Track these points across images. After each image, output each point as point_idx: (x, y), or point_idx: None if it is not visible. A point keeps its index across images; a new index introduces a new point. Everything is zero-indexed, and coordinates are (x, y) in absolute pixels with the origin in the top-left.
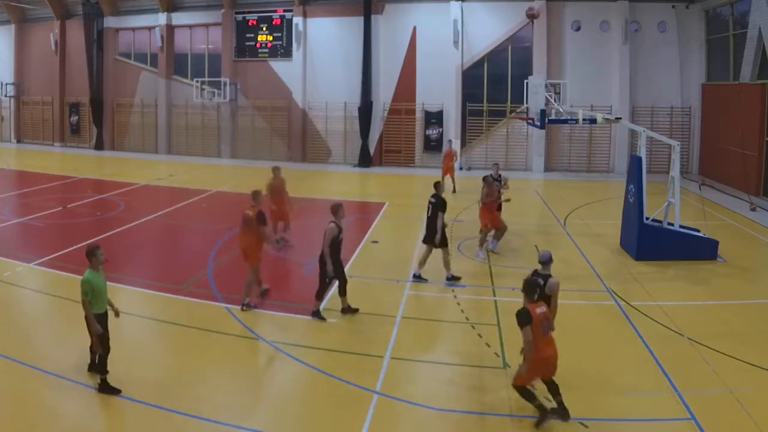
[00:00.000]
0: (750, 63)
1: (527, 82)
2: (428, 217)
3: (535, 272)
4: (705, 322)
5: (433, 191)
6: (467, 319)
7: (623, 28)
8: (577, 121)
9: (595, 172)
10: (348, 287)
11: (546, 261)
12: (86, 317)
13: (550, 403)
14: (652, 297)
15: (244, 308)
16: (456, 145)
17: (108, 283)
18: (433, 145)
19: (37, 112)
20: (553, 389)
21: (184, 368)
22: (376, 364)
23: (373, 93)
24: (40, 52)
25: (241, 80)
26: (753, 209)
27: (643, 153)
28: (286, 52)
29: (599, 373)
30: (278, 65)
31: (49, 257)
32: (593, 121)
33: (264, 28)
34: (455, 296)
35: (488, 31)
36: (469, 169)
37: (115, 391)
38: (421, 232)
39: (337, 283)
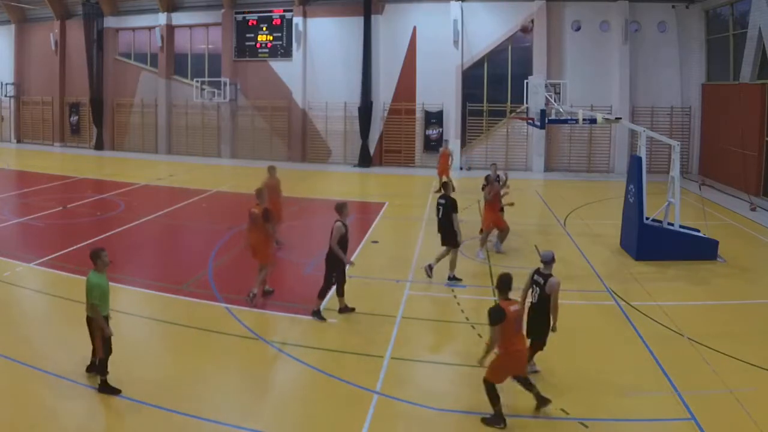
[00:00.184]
0: (750, 63)
1: (527, 82)
2: (440, 219)
3: (537, 271)
4: (705, 322)
5: (441, 192)
6: (467, 319)
7: (623, 28)
8: (577, 121)
9: (595, 172)
10: (348, 287)
11: (549, 261)
12: (96, 321)
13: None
14: (652, 297)
15: (250, 297)
16: (456, 146)
17: (109, 283)
18: (433, 145)
19: (37, 112)
20: (526, 384)
21: (184, 368)
22: (376, 364)
23: (373, 93)
24: (40, 52)
25: (241, 80)
26: (753, 209)
27: (643, 153)
28: (286, 52)
29: (599, 373)
30: (278, 65)
31: (49, 257)
32: (593, 121)
33: (264, 28)
34: (455, 296)
35: (488, 31)
36: (469, 169)
37: (115, 391)
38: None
39: (337, 283)
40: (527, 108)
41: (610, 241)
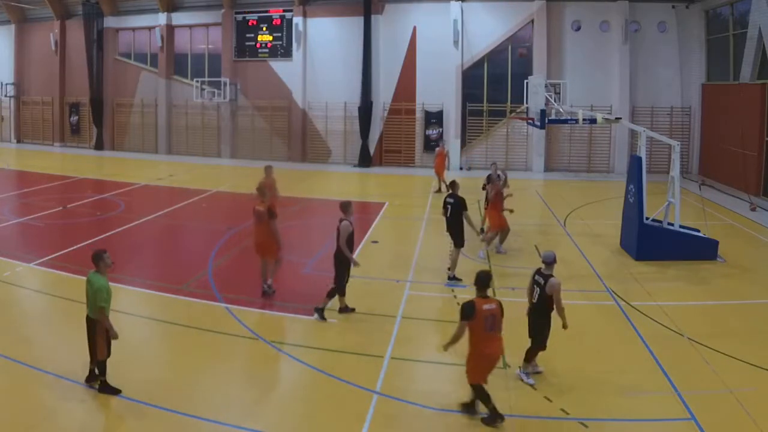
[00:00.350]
0: (750, 63)
1: (527, 82)
2: (448, 219)
3: (538, 271)
4: (705, 322)
5: (441, 192)
6: None
7: (623, 28)
8: (577, 121)
9: (595, 172)
10: (348, 287)
11: (550, 261)
12: (102, 323)
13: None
14: (652, 297)
15: (269, 288)
16: (456, 146)
17: (109, 283)
18: (433, 145)
19: (37, 112)
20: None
21: (184, 368)
22: (376, 364)
23: (373, 93)
24: (40, 52)
25: (241, 80)
26: (753, 209)
27: (643, 153)
28: (286, 52)
29: (599, 373)
30: (278, 65)
31: (49, 257)
32: (593, 121)
33: (264, 28)
34: (455, 296)
35: (488, 31)
36: (470, 169)
37: (115, 391)
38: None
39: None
40: (527, 108)
41: (610, 241)
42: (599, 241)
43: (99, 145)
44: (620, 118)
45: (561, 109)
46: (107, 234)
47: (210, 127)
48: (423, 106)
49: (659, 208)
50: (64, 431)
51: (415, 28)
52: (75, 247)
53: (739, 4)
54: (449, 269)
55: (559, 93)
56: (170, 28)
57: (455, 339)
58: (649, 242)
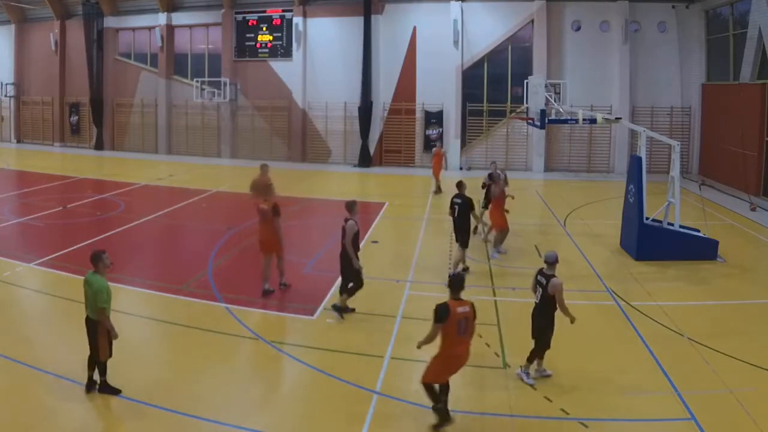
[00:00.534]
0: (750, 63)
1: (527, 82)
2: (455, 219)
3: (540, 272)
4: (705, 322)
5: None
6: None
7: (623, 28)
8: (577, 121)
9: (595, 172)
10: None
11: (552, 261)
12: (104, 324)
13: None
14: (652, 297)
15: (282, 287)
16: (456, 146)
17: (109, 283)
18: (433, 145)
19: (37, 112)
20: (445, 390)
21: (184, 368)
22: (376, 364)
23: (373, 93)
24: (40, 52)
25: (241, 80)
26: (753, 209)
27: (643, 153)
28: (286, 52)
29: (599, 373)
30: (278, 65)
31: (49, 257)
32: (593, 121)
33: (264, 28)
34: None
35: (488, 31)
36: (470, 169)
37: (115, 391)
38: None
39: (340, 280)
40: (527, 108)
41: (610, 241)
42: (599, 241)
43: (99, 145)
44: (620, 118)
45: (561, 109)
46: (107, 234)
47: (210, 127)
48: (423, 106)
49: (659, 208)
50: (64, 431)
51: (415, 28)
52: (75, 247)
53: (739, 4)
54: (451, 268)
55: (559, 93)
56: (170, 28)
57: (428, 340)
58: (649, 242)
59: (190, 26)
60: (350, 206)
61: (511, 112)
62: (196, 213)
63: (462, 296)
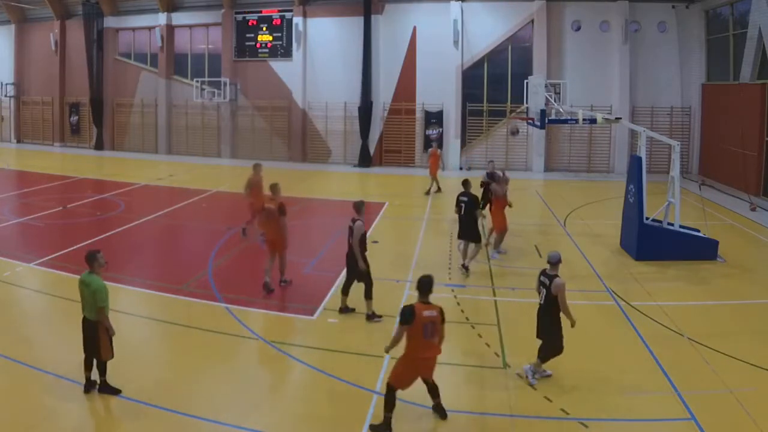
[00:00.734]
0: (750, 63)
1: (527, 82)
2: (462, 216)
3: (543, 272)
4: (705, 322)
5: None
6: (467, 319)
7: (623, 28)
8: (577, 121)
9: (595, 172)
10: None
11: (555, 262)
12: (103, 323)
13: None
14: (652, 297)
15: (283, 284)
16: (456, 146)
17: (108, 283)
18: (437, 145)
19: (37, 112)
20: (433, 390)
21: (184, 368)
22: (376, 364)
23: (373, 93)
24: (40, 52)
25: (241, 80)
26: (753, 209)
27: (643, 153)
28: (286, 52)
29: (599, 373)
30: (278, 65)
31: (49, 257)
32: (593, 121)
33: (264, 28)
34: (455, 296)
35: (488, 31)
36: (470, 169)
37: (115, 392)
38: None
39: (345, 280)
40: (527, 108)
41: (610, 241)
42: (599, 241)
43: (99, 145)
44: (620, 118)
45: (561, 109)
46: (107, 234)
47: (210, 127)
48: (423, 106)
49: (659, 208)
50: (64, 431)
51: (415, 28)
52: (75, 247)
53: (739, 4)
54: (466, 262)
55: (559, 93)
56: (170, 28)
57: (394, 343)
58: (649, 242)
59: (190, 26)
60: (358, 206)
61: (511, 112)
62: (196, 213)
63: (431, 300)
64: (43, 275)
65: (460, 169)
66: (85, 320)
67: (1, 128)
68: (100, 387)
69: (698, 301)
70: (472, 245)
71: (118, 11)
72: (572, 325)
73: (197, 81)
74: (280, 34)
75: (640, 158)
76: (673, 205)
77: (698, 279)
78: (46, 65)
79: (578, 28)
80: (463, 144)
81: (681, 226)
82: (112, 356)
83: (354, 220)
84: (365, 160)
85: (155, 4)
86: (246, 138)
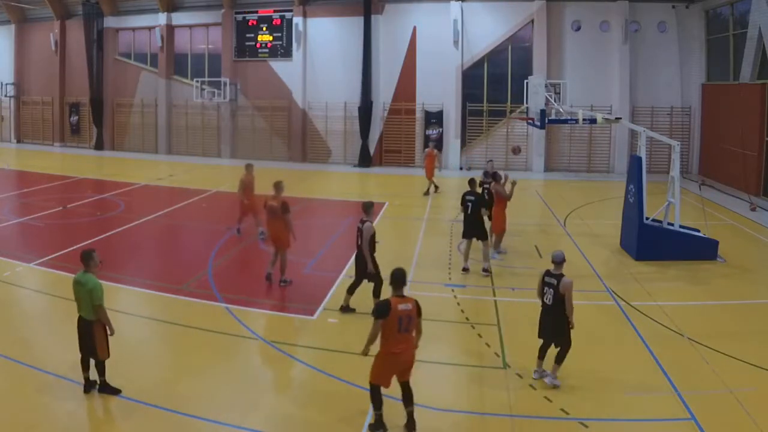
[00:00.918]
0: (750, 63)
1: (527, 82)
2: (468, 215)
3: (548, 272)
4: (705, 322)
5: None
6: (467, 319)
7: (623, 28)
8: (577, 121)
9: (595, 172)
10: (347, 287)
11: (560, 261)
12: (101, 322)
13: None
14: (652, 297)
15: (282, 284)
16: (456, 146)
17: (108, 283)
18: (433, 145)
19: (37, 112)
20: (407, 397)
21: (184, 368)
22: None
23: (373, 93)
24: (40, 52)
25: (241, 80)
26: (753, 209)
27: (643, 153)
28: (286, 52)
29: (599, 373)
30: (278, 65)
31: (49, 257)
32: (593, 121)
33: (264, 28)
34: (455, 296)
35: (488, 31)
36: (470, 169)
37: (115, 391)
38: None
39: (354, 280)
40: (527, 108)
41: (610, 241)
42: (599, 241)
43: (99, 145)
44: (620, 118)
45: (561, 109)
46: (107, 234)
47: (210, 127)
48: (423, 106)
49: (659, 208)
50: (64, 431)
51: (415, 28)
52: (75, 247)
53: (739, 4)
54: (467, 264)
55: (559, 93)
56: (170, 28)
57: (371, 339)
58: (649, 242)
59: (190, 26)
60: (367, 207)
61: (511, 112)
62: (196, 213)
63: (405, 293)
64: (43, 275)
65: (460, 169)
66: (80, 320)
67: (1, 128)
68: (100, 387)
69: (698, 301)
70: (479, 244)
71: (118, 11)
72: (571, 326)
73: (197, 81)
74: (280, 34)
75: (640, 158)
76: (673, 205)
77: (698, 279)
78: (46, 65)
79: (578, 28)
80: (463, 144)
81: (681, 226)
82: (109, 355)
83: (363, 222)
84: (365, 160)
85: (155, 4)
86: (246, 138)
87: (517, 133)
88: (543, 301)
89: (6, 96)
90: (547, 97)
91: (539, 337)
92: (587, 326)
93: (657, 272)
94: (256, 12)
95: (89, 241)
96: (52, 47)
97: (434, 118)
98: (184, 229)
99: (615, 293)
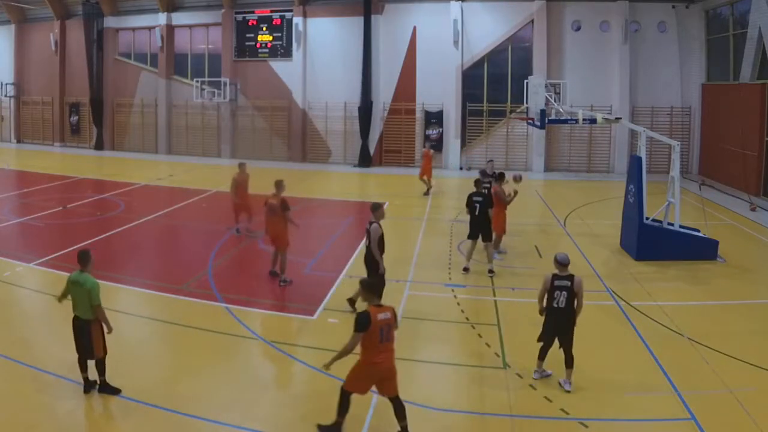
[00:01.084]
0: (750, 63)
1: (527, 82)
2: (475, 216)
3: (556, 276)
4: (705, 322)
5: (474, 189)
6: (467, 319)
7: (623, 28)
8: (577, 121)
9: (595, 172)
10: (348, 287)
11: (567, 263)
12: (99, 321)
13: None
14: (652, 297)
15: (282, 284)
16: (456, 146)
17: (108, 283)
18: (433, 146)
19: (37, 112)
20: (399, 412)
21: (184, 368)
22: None
23: (373, 93)
24: (40, 52)
25: (241, 80)
26: (753, 209)
27: (643, 153)
28: (286, 52)
29: (599, 372)
30: (278, 65)
31: (49, 257)
32: (593, 121)
33: (264, 28)
34: (455, 296)
35: (488, 31)
36: (470, 169)
37: (116, 391)
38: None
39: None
40: (527, 108)
41: (610, 241)
42: (599, 241)
43: (99, 145)
44: (620, 118)
45: (561, 109)
46: (107, 234)
47: (210, 127)
48: (423, 106)
49: (659, 208)
50: (64, 431)
51: (415, 28)
52: (75, 247)
53: (739, 4)
54: (468, 263)
55: (559, 93)
56: (170, 28)
57: (345, 352)
58: (649, 242)
59: (190, 26)
60: (375, 208)
61: (511, 112)
62: (196, 213)
63: (382, 302)
64: (43, 275)
65: (460, 169)
66: (77, 320)
67: (1, 128)
68: (100, 387)
69: (698, 301)
70: (486, 245)
71: (118, 11)
72: (575, 324)
73: (197, 81)
74: (280, 34)
75: (640, 158)
76: (673, 205)
77: (698, 279)
78: (46, 65)
79: (578, 28)
80: (463, 144)
81: (681, 226)
82: (106, 352)
83: (371, 223)
84: (365, 160)
85: (155, 4)
86: (246, 138)
87: (517, 133)
88: (552, 305)
89: (6, 96)
90: (547, 97)
91: (540, 340)
92: (587, 326)
93: (657, 272)
94: (256, 12)
95: (89, 241)
96: (52, 47)
97: (434, 118)
98: (184, 229)
99: (615, 293)
